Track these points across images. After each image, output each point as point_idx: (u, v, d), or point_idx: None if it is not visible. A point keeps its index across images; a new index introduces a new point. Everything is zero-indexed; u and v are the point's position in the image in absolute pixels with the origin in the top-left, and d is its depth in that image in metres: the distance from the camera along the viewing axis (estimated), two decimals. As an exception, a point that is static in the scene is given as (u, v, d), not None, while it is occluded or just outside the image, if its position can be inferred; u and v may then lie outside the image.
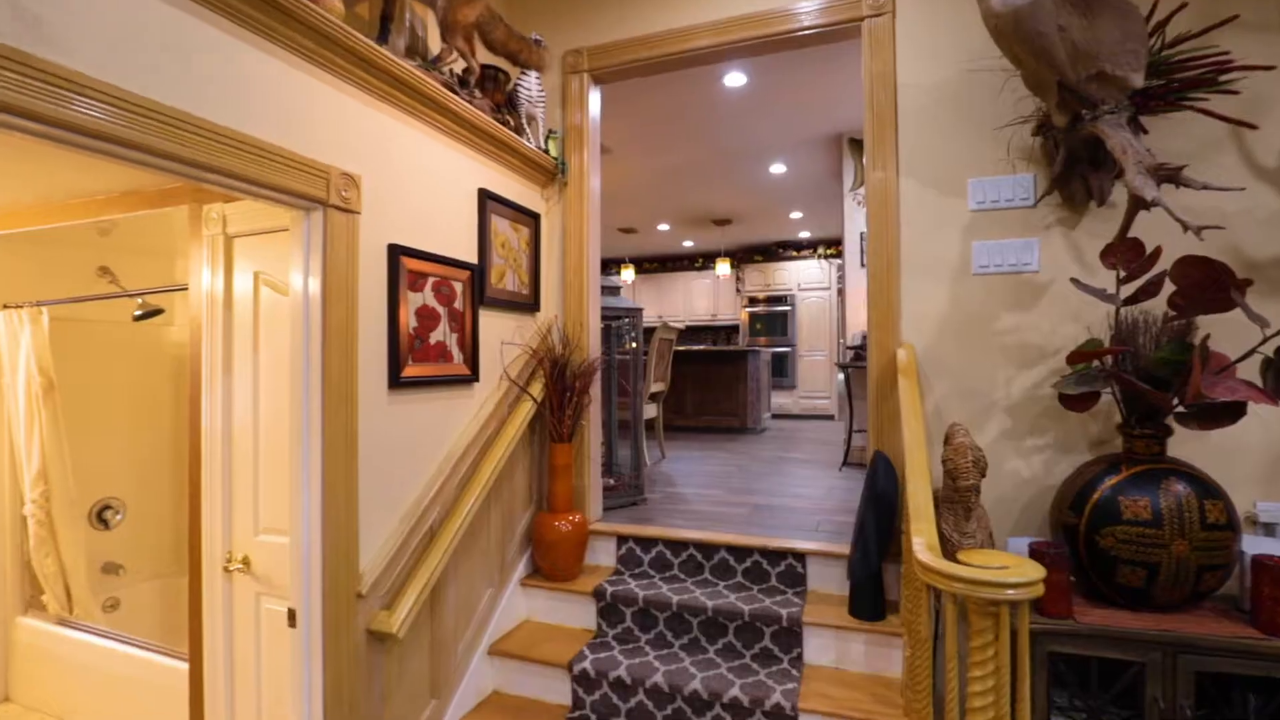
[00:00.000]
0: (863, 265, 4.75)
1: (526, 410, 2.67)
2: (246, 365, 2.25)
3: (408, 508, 2.10)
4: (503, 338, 2.68)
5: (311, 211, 1.80)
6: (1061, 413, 2.30)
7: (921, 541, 1.65)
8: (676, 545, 2.75)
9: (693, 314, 9.77)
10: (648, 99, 4.40)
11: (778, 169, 5.67)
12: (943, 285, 2.45)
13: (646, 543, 2.80)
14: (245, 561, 2.20)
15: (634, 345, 3.44)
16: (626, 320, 3.42)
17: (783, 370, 8.83)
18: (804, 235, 8.64)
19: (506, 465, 2.65)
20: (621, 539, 2.84)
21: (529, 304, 2.86)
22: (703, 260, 9.78)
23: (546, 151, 2.95)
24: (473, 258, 2.47)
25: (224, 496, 2.25)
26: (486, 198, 2.53)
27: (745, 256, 9.19)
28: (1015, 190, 2.37)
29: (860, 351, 4.51)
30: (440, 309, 2.27)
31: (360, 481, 1.90)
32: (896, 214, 2.50)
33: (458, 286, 2.36)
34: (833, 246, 8.82)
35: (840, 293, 8.57)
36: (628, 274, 8.22)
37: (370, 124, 1.97)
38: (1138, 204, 1.84)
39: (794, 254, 8.92)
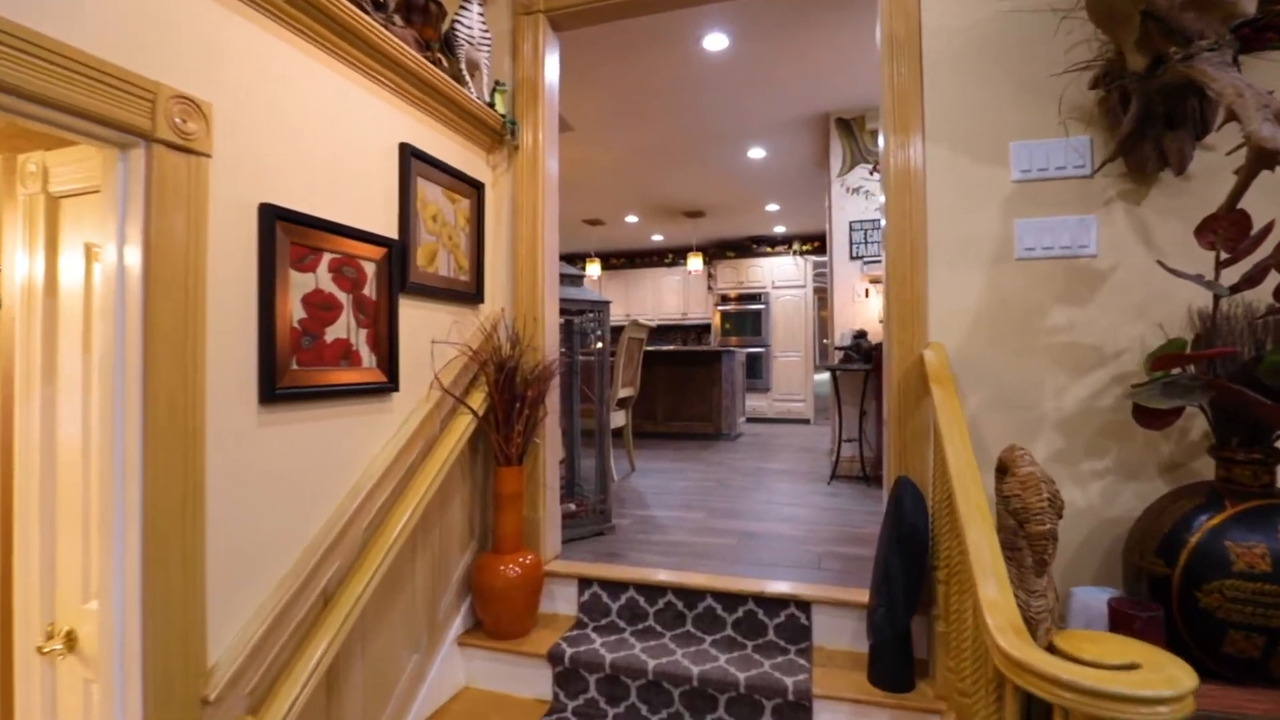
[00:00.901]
0: (853, 257, 4.33)
1: (465, 426, 2.13)
2: (76, 370, 1.66)
3: (290, 566, 1.54)
4: (434, 335, 2.13)
5: (128, 149, 1.24)
6: (1124, 429, 1.87)
7: (1001, 620, 1.18)
8: (652, 590, 2.24)
9: (662, 312, 9.30)
10: (616, 69, 3.89)
11: (756, 153, 5.23)
12: (978, 273, 2.00)
13: (615, 587, 2.29)
14: (69, 638, 1.61)
15: (600, 345, 2.93)
16: (591, 315, 2.90)
17: (756, 372, 8.42)
18: (779, 230, 8.25)
19: (438, 497, 2.11)
20: (584, 582, 2.33)
21: (469, 294, 2.32)
22: (673, 256, 9.31)
23: (492, 106, 2.41)
24: (391, 231, 1.92)
25: (42, 548, 1.66)
26: (411, 155, 1.98)
27: (717, 252, 8.76)
28: (1068, 156, 1.93)
29: (851, 353, 4.08)
30: (342, 296, 1.72)
31: (211, 537, 1.34)
32: (922, 187, 2.04)
33: (368, 268, 1.81)
34: (809, 242, 8.44)
35: (818, 291, 8.20)
36: (593, 269, 7.70)
37: (236, 37, 1.41)
38: (1261, 161, 1.40)
39: (768, 250, 8.52)
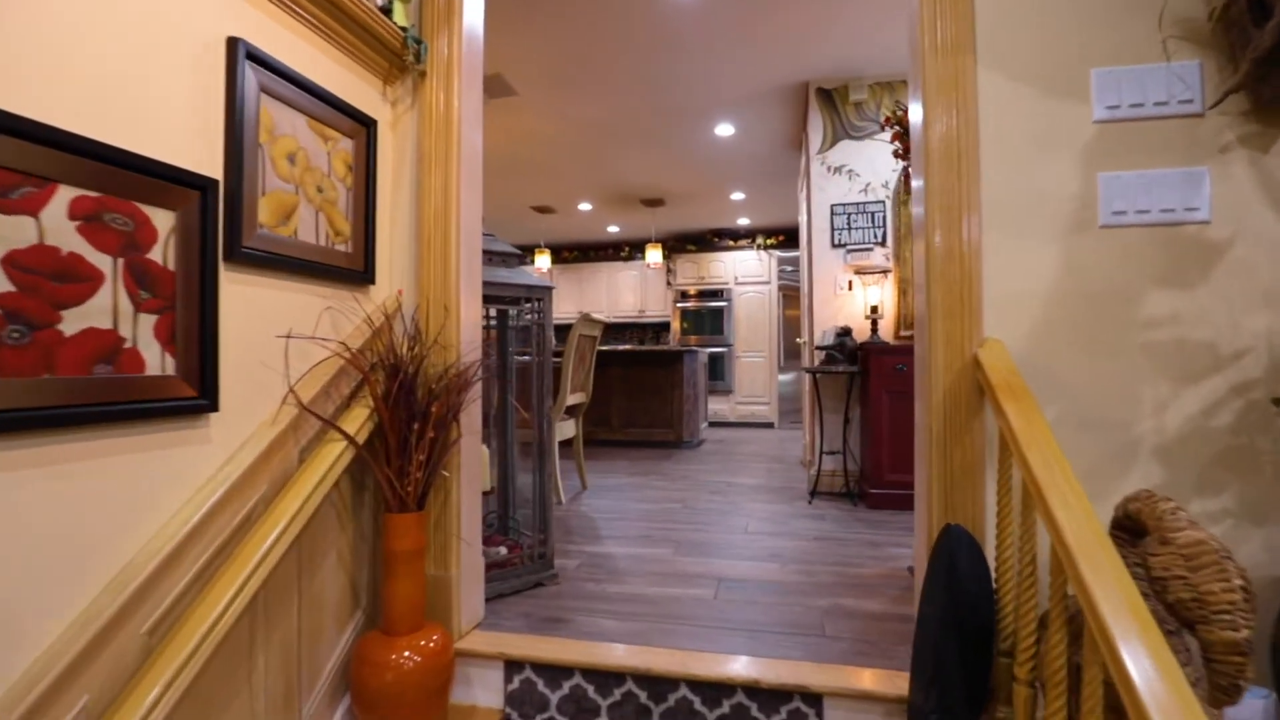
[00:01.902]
0: (835, 245, 3.82)
1: (338, 456, 1.49)
2: None
3: (-34, 727, 0.88)
4: (292, 326, 1.48)
5: None
6: (1249, 458, 1.37)
7: None
8: (605, 677, 1.64)
9: (618, 309, 8.70)
10: (565, 23, 3.27)
11: (724, 130, 4.69)
12: (1050, 246, 1.48)
13: (555, 672, 1.68)
14: None
15: (541, 343, 2.31)
16: (530, 305, 2.28)
17: (718, 373, 7.91)
18: (743, 223, 7.76)
19: (296, 559, 1.46)
20: (514, 665, 1.71)
21: (351, 271, 1.67)
22: (630, 249, 8.72)
23: (389, 14, 1.77)
24: (210, 168, 1.27)
25: None
26: (248, 59, 1.33)
27: (677, 246, 8.22)
28: (1172, 87, 1.43)
29: (834, 353, 3.57)
30: (102, 260, 1.06)
31: None
32: (973, 128, 1.50)
33: (160, 220, 1.15)
34: (774, 236, 7.97)
35: (784, 288, 7.75)
36: (543, 261, 7.05)
37: None
38: None
39: (730, 244, 8.02)
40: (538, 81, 3.96)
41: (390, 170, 1.86)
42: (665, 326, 8.86)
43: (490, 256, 2.19)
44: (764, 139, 4.89)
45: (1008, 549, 1.35)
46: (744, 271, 7.99)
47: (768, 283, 7.90)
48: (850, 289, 3.79)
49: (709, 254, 8.13)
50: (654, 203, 6.78)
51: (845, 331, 3.59)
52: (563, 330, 6.65)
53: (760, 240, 7.94)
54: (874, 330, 3.63)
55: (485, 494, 2.30)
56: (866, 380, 3.51)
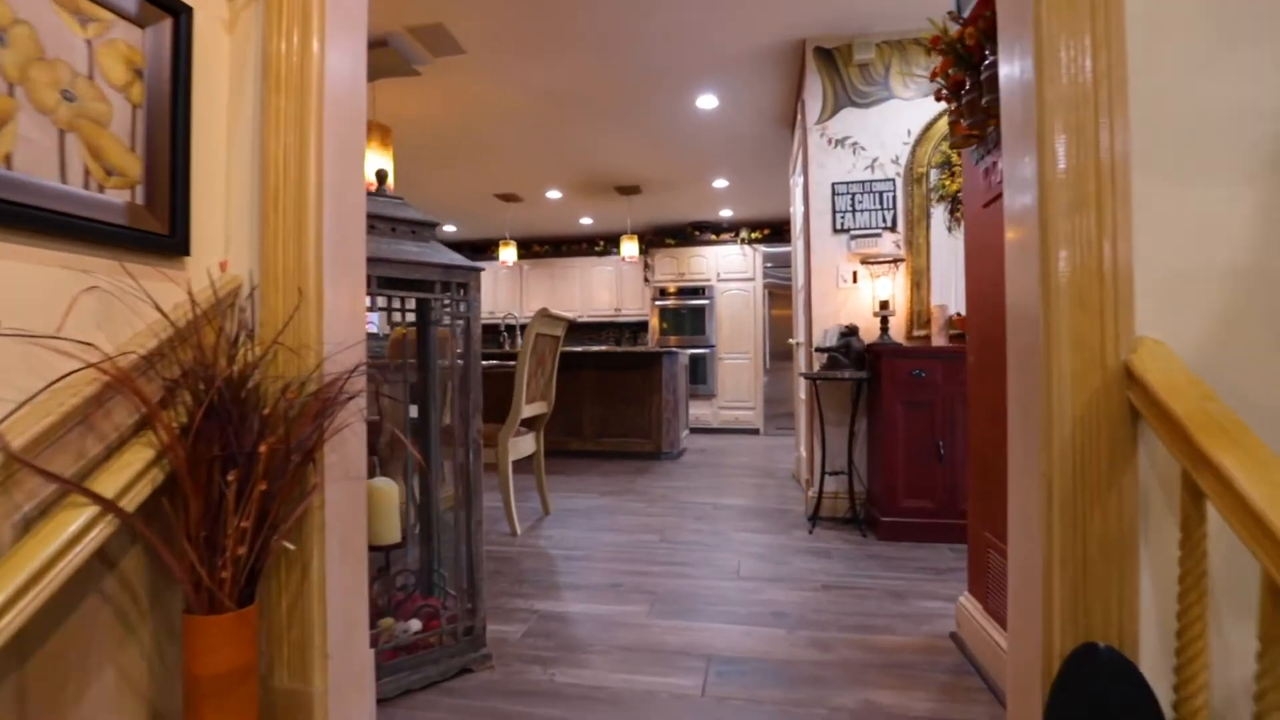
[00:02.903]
0: (838, 230, 3.28)
1: (75, 533, 0.89)
2: None
3: None
4: (10, 320, 0.88)
5: None
6: None
7: None
8: None
9: (592, 307, 8.11)
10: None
11: (707, 101, 4.13)
12: (1240, 193, 0.93)
13: None
14: None
15: (468, 345, 1.71)
16: (449, 295, 1.68)
17: (700, 376, 7.37)
18: (726, 214, 7.22)
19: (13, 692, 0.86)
20: (399, 836, 1.12)
21: (141, 235, 1.08)
22: (604, 243, 8.13)
23: None
24: None
25: None
26: None
27: (656, 240, 7.65)
28: None
29: (838, 356, 3.03)
30: None
31: None
32: (1118, 5, 0.95)
33: None
34: (760, 230, 7.45)
35: (770, 285, 7.22)
36: (508, 254, 6.43)
37: None
38: None
39: (712, 238, 7.48)
40: (490, 39, 3.36)
41: (226, 89, 1.26)
42: (643, 326, 8.29)
43: (384, 225, 1.59)
44: (752, 113, 4.34)
45: (1196, 685, 0.80)
46: (727, 267, 7.45)
47: (752, 279, 7.37)
48: (855, 281, 3.26)
49: (689, 248, 7.58)
50: (629, 190, 6.21)
51: (851, 331, 3.05)
52: (519, 328, 6.03)
53: (744, 234, 7.41)
54: (884, 329, 3.09)
55: (392, 548, 1.71)
56: (877, 388, 2.98)
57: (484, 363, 4.04)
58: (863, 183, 3.27)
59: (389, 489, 1.67)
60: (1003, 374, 1.23)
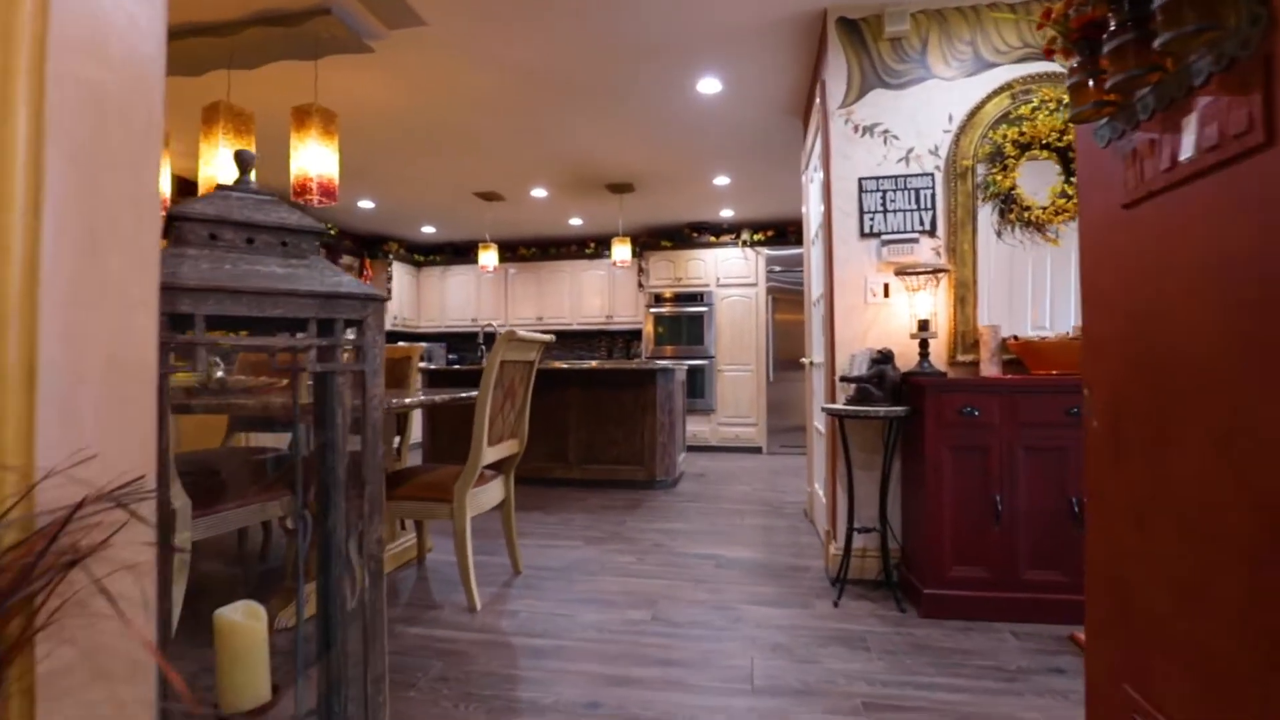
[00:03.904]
0: (866, 234, 2.74)
1: None
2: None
3: None
4: None
5: None
6: None
7: None
8: None
9: (582, 313, 7.56)
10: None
11: (708, 85, 3.59)
12: None
13: None
14: None
15: (364, 409, 1.16)
16: (327, 340, 1.13)
17: (698, 389, 6.83)
18: (727, 215, 6.68)
19: None
20: None
21: None
22: (595, 245, 7.58)
23: None
24: None
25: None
26: None
27: (650, 241, 7.11)
28: None
29: (869, 386, 2.49)
30: None
31: None
32: None
33: None
34: (762, 231, 6.91)
35: (773, 291, 6.68)
36: (488, 258, 5.86)
37: None
38: None
39: (711, 240, 6.94)
40: (454, 7, 2.81)
41: None
42: (637, 334, 7.75)
43: (232, 235, 1.04)
44: (759, 99, 3.80)
45: None
46: (727, 272, 6.91)
47: (754, 285, 6.84)
48: (886, 295, 2.72)
49: (687, 251, 7.04)
50: (621, 188, 5.66)
51: (884, 357, 2.51)
52: (483, 342, 5.42)
53: (746, 236, 6.87)
54: (924, 355, 2.56)
55: (258, 714, 1.16)
56: (918, 427, 2.44)
57: (451, 391, 3.48)
58: (896, 178, 2.73)
59: (249, 626, 1.12)
60: (1178, 453, 0.70)
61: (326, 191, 2.87)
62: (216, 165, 2.87)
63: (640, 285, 7.34)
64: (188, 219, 1.03)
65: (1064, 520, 2.26)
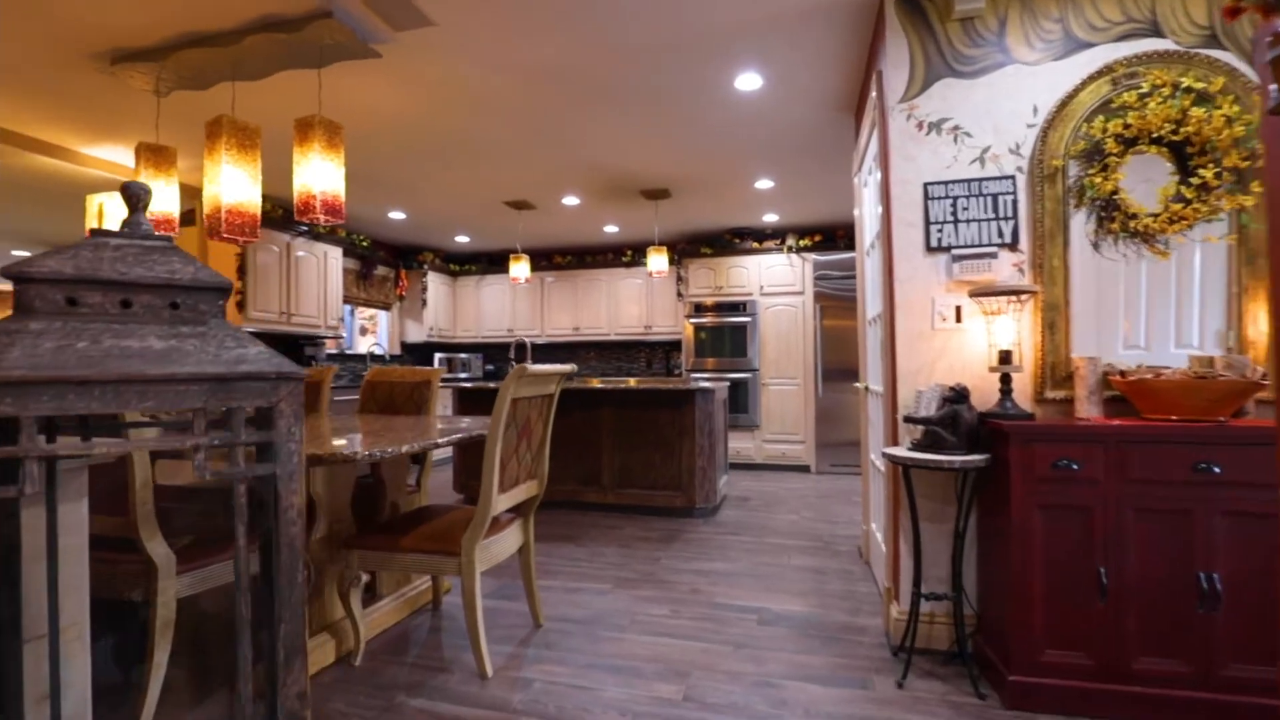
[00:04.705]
0: (934, 248, 2.36)
1: None
2: None
3: None
4: None
5: None
6: None
7: None
8: None
9: (620, 324, 7.29)
10: None
11: (748, 81, 3.24)
12: None
13: None
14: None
15: (274, 541, 0.89)
16: (218, 436, 0.86)
17: (741, 404, 6.45)
18: (770, 219, 6.29)
19: None
20: None
21: None
22: (632, 253, 7.30)
23: None
24: None
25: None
26: None
27: (689, 249, 6.77)
28: None
29: (939, 430, 2.11)
30: None
31: None
32: None
33: None
34: (809, 236, 6.49)
35: (821, 297, 6.25)
36: (520, 269, 5.63)
37: None
38: None
39: (754, 246, 6.56)
40: (464, 5, 2.55)
41: None
42: (676, 345, 7.43)
43: (99, 298, 0.78)
44: (805, 95, 3.43)
45: None
46: (772, 279, 6.51)
47: (801, 293, 6.42)
48: (959, 320, 2.33)
49: (728, 258, 6.67)
50: (657, 194, 5.35)
51: (958, 395, 2.12)
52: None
53: (792, 241, 6.46)
54: (1005, 392, 2.16)
55: None
56: (1001, 481, 2.05)
57: (485, 414, 3.18)
58: (968, 182, 2.34)
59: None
60: None
61: (331, 209, 2.66)
62: (221, 183, 2.70)
63: (679, 294, 7.01)
64: (31, 280, 0.77)
65: (1188, 599, 1.84)
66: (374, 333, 7.68)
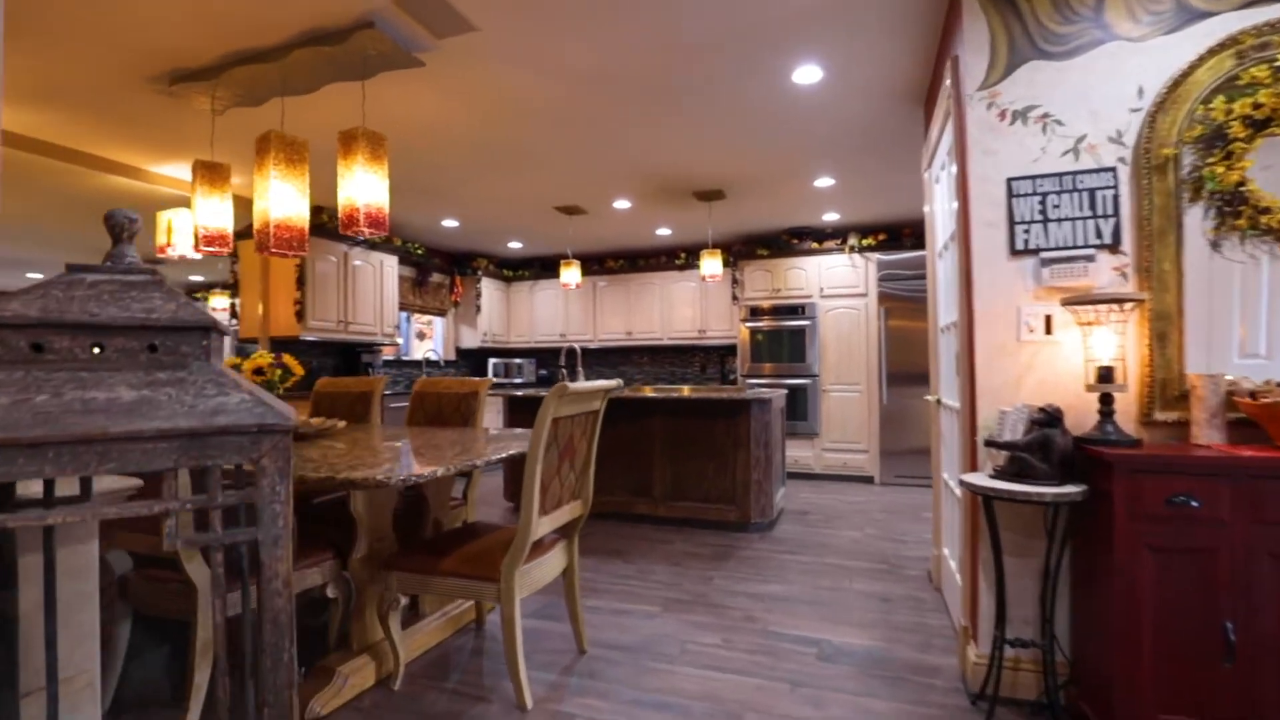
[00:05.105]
0: (1019, 251, 2.11)
1: None
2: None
3: None
4: None
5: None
6: None
7: None
8: None
9: (674, 328, 7.13)
10: None
11: (806, 74, 3.04)
12: None
13: None
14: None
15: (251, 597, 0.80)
16: (183, 504, 0.77)
17: (799, 410, 6.19)
18: (831, 218, 6.00)
19: None
20: None
21: None
22: (685, 255, 7.13)
23: None
24: None
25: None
26: None
27: (745, 250, 6.55)
28: None
29: (1027, 457, 1.87)
30: None
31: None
32: None
33: None
34: (872, 235, 6.17)
35: (885, 298, 5.92)
36: (570, 275, 5.56)
37: None
38: None
39: (814, 246, 6.28)
40: (505, 6, 2.46)
41: None
42: (731, 350, 7.22)
43: (67, 343, 0.69)
44: (869, 86, 3.20)
45: None
46: (833, 281, 6.22)
47: (864, 295, 6.11)
48: (1049, 331, 2.07)
49: (786, 259, 6.42)
50: (710, 196, 5.17)
51: (1049, 418, 1.88)
52: (526, 400, 5.04)
53: (854, 240, 6.15)
54: (1106, 414, 1.89)
55: None
56: (1102, 516, 1.80)
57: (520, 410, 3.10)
58: (1060, 176, 2.08)
59: None
60: None
61: (375, 222, 2.62)
62: (270, 198, 2.70)
63: (734, 297, 6.80)
64: (-13, 326, 0.69)
65: (1341, 666, 1.55)
66: (430, 337, 7.80)
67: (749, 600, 3.02)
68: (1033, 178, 2.10)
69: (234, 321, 5.46)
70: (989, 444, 1.97)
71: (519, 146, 3.99)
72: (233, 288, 5.39)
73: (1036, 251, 2.09)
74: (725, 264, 6.81)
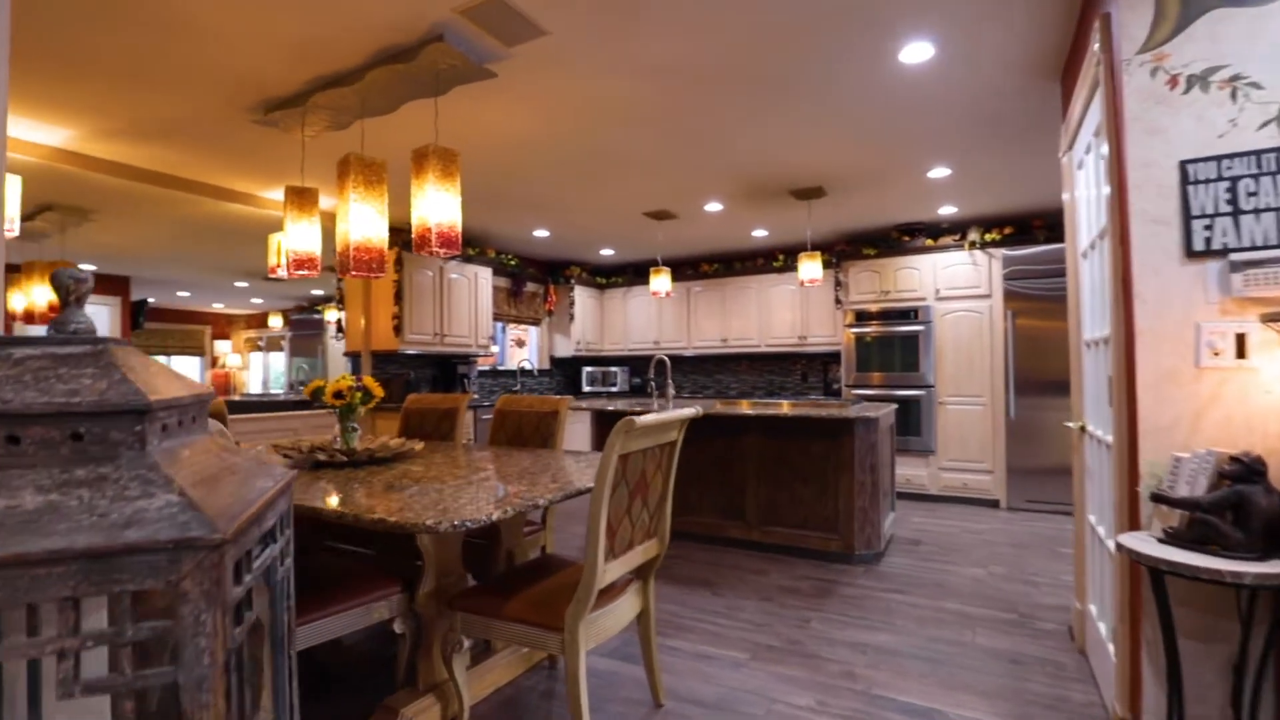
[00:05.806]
0: (1196, 252, 1.67)
1: None
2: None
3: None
4: None
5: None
6: None
7: None
8: None
9: (772, 334, 6.76)
10: None
11: (915, 52, 2.66)
12: None
13: None
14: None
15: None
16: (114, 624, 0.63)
17: (912, 425, 5.65)
18: (947, 212, 5.41)
19: None
20: None
21: None
22: (784, 257, 6.73)
23: None
24: None
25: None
26: None
27: (848, 250, 6.07)
28: None
29: (1214, 520, 1.45)
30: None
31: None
32: None
33: None
34: (996, 229, 5.51)
35: (1011, 297, 5.25)
36: (660, 282, 5.35)
37: None
38: None
39: (928, 244, 5.70)
40: (576, 6, 2.31)
41: None
42: (835, 357, 6.74)
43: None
44: (990, 60, 2.75)
45: None
46: (950, 281, 5.62)
47: (987, 296, 5.46)
48: (1241, 355, 1.62)
49: (895, 258, 5.89)
50: (809, 194, 4.79)
51: (1246, 469, 1.45)
52: (605, 418, 4.81)
53: (974, 236, 5.52)
54: (1332, 466, 1.43)
55: None
56: (1328, 608, 1.35)
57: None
58: (1258, 155, 1.61)
59: None
60: None
61: (447, 241, 2.56)
62: (350, 221, 2.71)
63: (838, 301, 6.33)
64: None
65: None
66: (528, 344, 7.90)
67: (850, 651, 2.69)
68: (1217, 159, 1.65)
69: (340, 335, 5.74)
70: (1157, 499, 1.56)
71: (602, 151, 3.85)
72: (340, 302, 5.67)
73: (1224, 252, 1.64)
74: (827, 265, 6.36)
